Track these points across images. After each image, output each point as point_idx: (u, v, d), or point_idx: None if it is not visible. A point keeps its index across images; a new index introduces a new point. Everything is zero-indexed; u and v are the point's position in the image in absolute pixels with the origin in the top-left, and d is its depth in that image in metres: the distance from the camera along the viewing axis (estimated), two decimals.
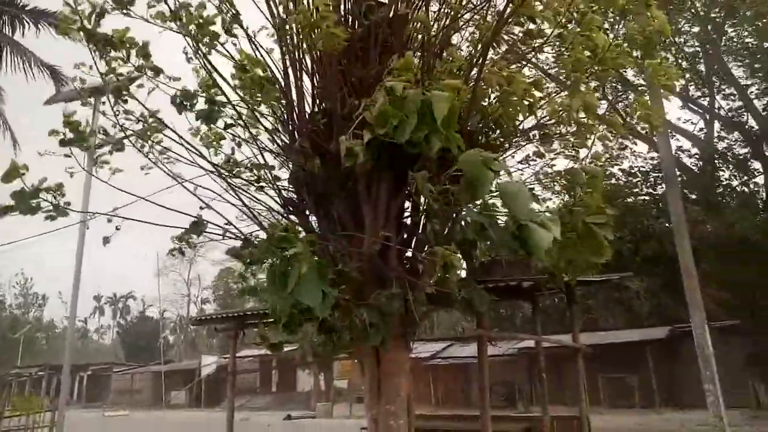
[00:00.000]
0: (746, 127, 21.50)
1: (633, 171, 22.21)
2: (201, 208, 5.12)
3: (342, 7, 4.83)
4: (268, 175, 5.20)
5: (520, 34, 4.81)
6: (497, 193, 2.57)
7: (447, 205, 3.18)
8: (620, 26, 4.78)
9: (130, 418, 31.88)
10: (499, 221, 2.56)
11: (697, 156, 22.50)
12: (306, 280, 2.83)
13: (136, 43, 4.59)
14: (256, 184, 5.18)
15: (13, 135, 17.05)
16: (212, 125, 5.12)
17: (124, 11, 4.50)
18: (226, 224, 5.08)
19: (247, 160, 5.48)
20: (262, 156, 5.39)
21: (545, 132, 5.13)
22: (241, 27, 4.67)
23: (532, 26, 4.52)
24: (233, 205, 5.29)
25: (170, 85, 5.02)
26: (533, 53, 5.25)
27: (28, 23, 16.05)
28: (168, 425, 26.32)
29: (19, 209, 3.87)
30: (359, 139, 3.20)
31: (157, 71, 4.82)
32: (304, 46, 4.70)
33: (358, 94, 4.29)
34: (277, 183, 5.29)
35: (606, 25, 4.59)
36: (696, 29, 19.80)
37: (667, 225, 17.66)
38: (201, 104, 4.94)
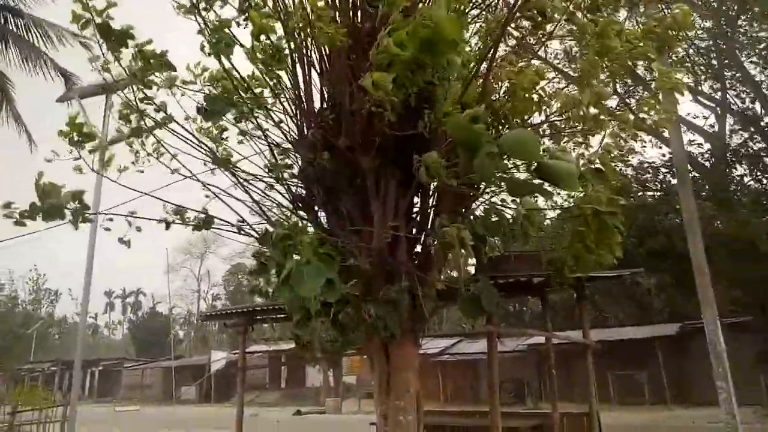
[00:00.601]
0: (760, 123, 21.25)
1: (644, 167, 22.02)
2: (207, 197, 5.14)
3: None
4: (280, 174, 5.21)
5: (529, 27, 4.78)
6: (501, 147, 2.48)
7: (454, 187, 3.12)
8: (632, 17, 4.73)
9: (140, 413, 32.17)
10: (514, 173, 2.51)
11: (709, 152, 22.28)
12: (300, 271, 2.76)
13: (152, 53, 4.59)
14: (265, 181, 5.19)
15: (29, 133, 17.15)
16: (222, 119, 5.12)
17: None
18: (240, 221, 5.11)
19: (256, 155, 5.49)
20: (272, 152, 5.40)
21: (555, 127, 5.10)
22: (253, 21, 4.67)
23: (540, 18, 4.48)
24: (242, 201, 5.32)
25: (185, 88, 5.04)
26: (542, 46, 5.21)
27: (41, 33, 16.15)
28: (178, 420, 26.52)
29: (47, 218, 3.92)
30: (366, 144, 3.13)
31: (171, 67, 4.82)
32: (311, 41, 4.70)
33: (366, 90, 4.27)
34: (287, 179, 5.30)
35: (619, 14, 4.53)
36: (708, 23, 19.58)
37: (677, 221, 17.50)
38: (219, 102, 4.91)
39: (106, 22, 4.28)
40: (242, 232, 5.10)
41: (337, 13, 4.70)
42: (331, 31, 3.74)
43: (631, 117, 4.83)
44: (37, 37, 16.19)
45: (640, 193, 20.29)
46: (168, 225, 5.19)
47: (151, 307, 69.94)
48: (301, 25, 3.84)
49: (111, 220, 4.90)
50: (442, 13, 2.60)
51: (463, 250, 3.39)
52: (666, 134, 13.06)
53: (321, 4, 3.68)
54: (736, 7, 18.65)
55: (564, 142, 4.88)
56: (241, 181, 5.30)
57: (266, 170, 5.17)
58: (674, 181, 18.28)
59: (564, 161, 2.38)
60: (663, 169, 21.42)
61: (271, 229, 4.56)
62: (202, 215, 5.21)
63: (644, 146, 21.23)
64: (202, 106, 4.68)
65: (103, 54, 4.45)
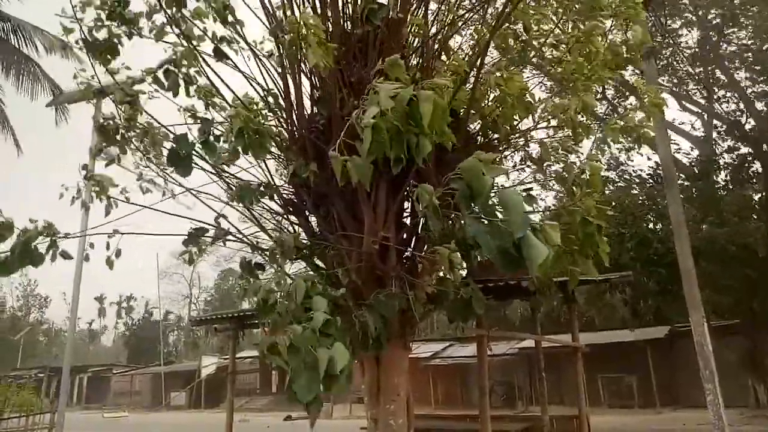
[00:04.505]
0: (746, 129, 21.48)
1: (632, 175, 22.19)
2: (218, 214, 5.08)
3: (341, 7, 4.86)
4: (270, 180, 5.20)
5: (518, 41, 4.85)
6: (496, 198, 2.54)
7: (447, 208, 3.18)
8: (613, 32, 4.82)
9: (129, 420, 31.87)
10: (500, 226, 2.50)
11: (696, 158, 22.49)
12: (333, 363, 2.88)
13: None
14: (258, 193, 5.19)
15: (15, 138, 16.88)
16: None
17: (132, 31, 4.50)
18: (217, 225, 5.05)
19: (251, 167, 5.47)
20: (264, 162, 5.40)
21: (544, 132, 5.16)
22: (241, 37, 4.71)
23: (525, 36, 4.56)
24: (233, 206, 5.31)
25: (170, 98, 5.01)
26: (531, 56, 5.28)
27: (29, 38, 15.98)
28: (168, 426, 26.31)
29: (25, 264, 3.82)
30: (353, 146, 3.07)
31: (159, 83, 4.76)
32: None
33: (356, 95, 4.31)
34: (277, 185, 5.31)
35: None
36: (695, 31, 19.81)
37: (668, 226, 17.62)
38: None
39: (93, 36, 4.27)
40: (228, 238, 5.06)
41: (329, 23, 4.73)
42: (324, 51, 3.74)
43: (620, 123, 4.91)
44: (23, 41, 16.01)
45: (627, 200, 20.37)
46: (192, 260, 5.19)
47: (143, 313, 69.24)
48: (291, 39, 3.85)
49: (92, 245, 4.84)
50: (425, 94, 2.63)
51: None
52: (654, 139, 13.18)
53: (312, 21, 3.66)
54: (724, 17, 18.87)
55: (552, 148, 4.94)
56: (231, 185, 5.30)
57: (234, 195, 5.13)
58: (663, 187, 18.36)
59: (542, 245, 2.37)
60: (650, 176, 21.60)
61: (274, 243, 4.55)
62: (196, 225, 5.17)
63: (630, 154, 21.48)
64: (176, 144, 4.41)
65: (93, 66, 4.43)
